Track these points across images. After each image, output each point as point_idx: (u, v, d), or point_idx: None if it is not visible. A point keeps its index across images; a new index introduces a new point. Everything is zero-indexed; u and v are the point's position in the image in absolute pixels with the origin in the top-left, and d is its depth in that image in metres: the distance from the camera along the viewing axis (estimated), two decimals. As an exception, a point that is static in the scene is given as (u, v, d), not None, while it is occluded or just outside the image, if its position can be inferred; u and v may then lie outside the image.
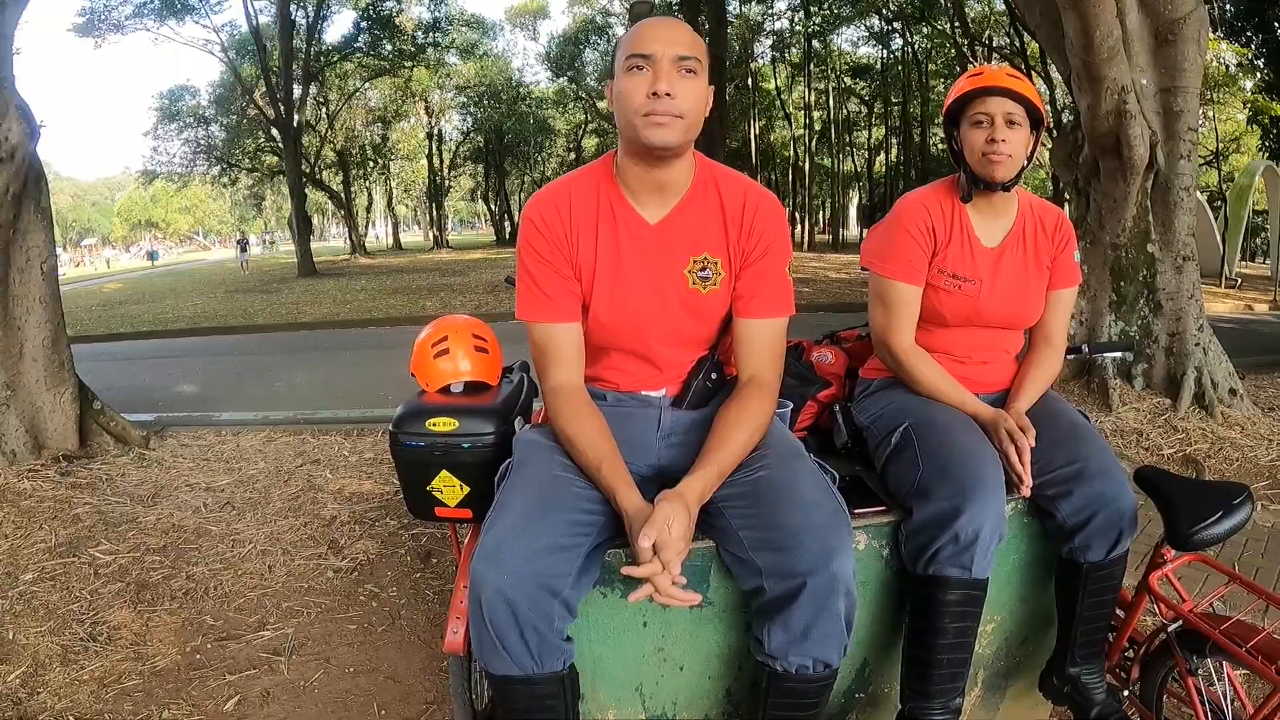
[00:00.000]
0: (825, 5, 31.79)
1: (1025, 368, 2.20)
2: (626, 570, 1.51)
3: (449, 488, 1.93)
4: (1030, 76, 24.97)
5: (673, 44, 1.62)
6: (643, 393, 1.89)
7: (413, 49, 33.17)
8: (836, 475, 1.75)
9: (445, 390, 2.14)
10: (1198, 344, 6.08)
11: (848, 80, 38.80)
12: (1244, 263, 23.13)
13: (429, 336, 2.20)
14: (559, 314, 1.78)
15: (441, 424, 1.92)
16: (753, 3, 33.42)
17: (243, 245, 36.34)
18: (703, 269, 1.78)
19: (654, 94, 1.61)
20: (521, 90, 42.32)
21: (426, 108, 41.76)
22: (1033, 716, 2.29)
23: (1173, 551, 2.03)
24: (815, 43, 34.67)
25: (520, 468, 1.69)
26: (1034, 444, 1.92)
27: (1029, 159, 2.08)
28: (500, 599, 1.47)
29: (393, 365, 9.32)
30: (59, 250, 6.14)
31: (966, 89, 2.05)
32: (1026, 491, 1.89)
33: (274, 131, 29.13)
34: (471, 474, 1.91)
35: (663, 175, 1.74)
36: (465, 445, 1.91)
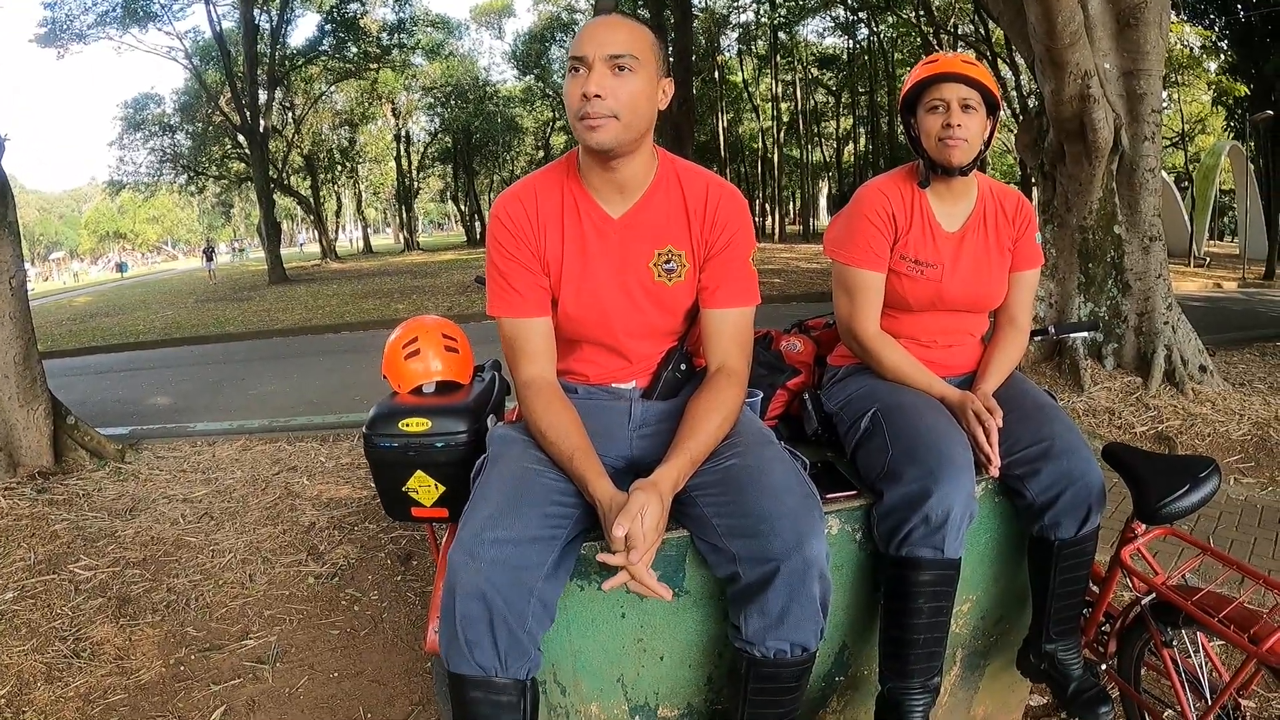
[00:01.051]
0: (790, -4, 31.95)
1: (990, 349, 2.23)
2: (601, 557, 1.52)
3: (424, 488, 1.93)
4: (995, 63, 25.23)
5: (605, 44, 1.62)
6: (613, 385, 1.91)
7: (378, 51, 32.95)
8: (807, 461, 1.77)
9: (417, 391, 2.14)
10: (1166, 322, 6.16)
11: (815, 71, 38.97)
12: (1212, 242, 23.45)
13: (399, 338, 2.21)
14: (528, 309, 1.79)
15: (414, 424, 1.92)
16: (719, -5, 33.50)
17: (209, 254, 35.94)
18: (667, 261, 1.80)
19: (585, 96, 1.62)
20: (488, 89, 42.19)
21: (393, 109, 41.58)
22: (1012, 694, 2.32)
23: (1143, 526, 2.07)
24: (781, 34, 34.82)
25: (494, 463, 1.70)
26: (1001, 425, 1.95)
27: (986, 143, 2.11)
28: (475, 591, 1.47)
29: (366, 369, 9.34)
30: (27, 265, 6.07)
31: (922, 76, 2.08)
32: (995, 471, 1.92)
33: (240, 138, 28.87)
34: (446, 473, 1.92)
35: (619, 173, 1.75)
36: (439, 444, 1.91)
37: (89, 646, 3.30)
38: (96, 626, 3.45)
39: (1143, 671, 2.19)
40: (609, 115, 1.62)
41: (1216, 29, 22.88)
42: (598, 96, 1.61)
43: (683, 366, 1.91)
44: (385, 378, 2.21)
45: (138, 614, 3.56)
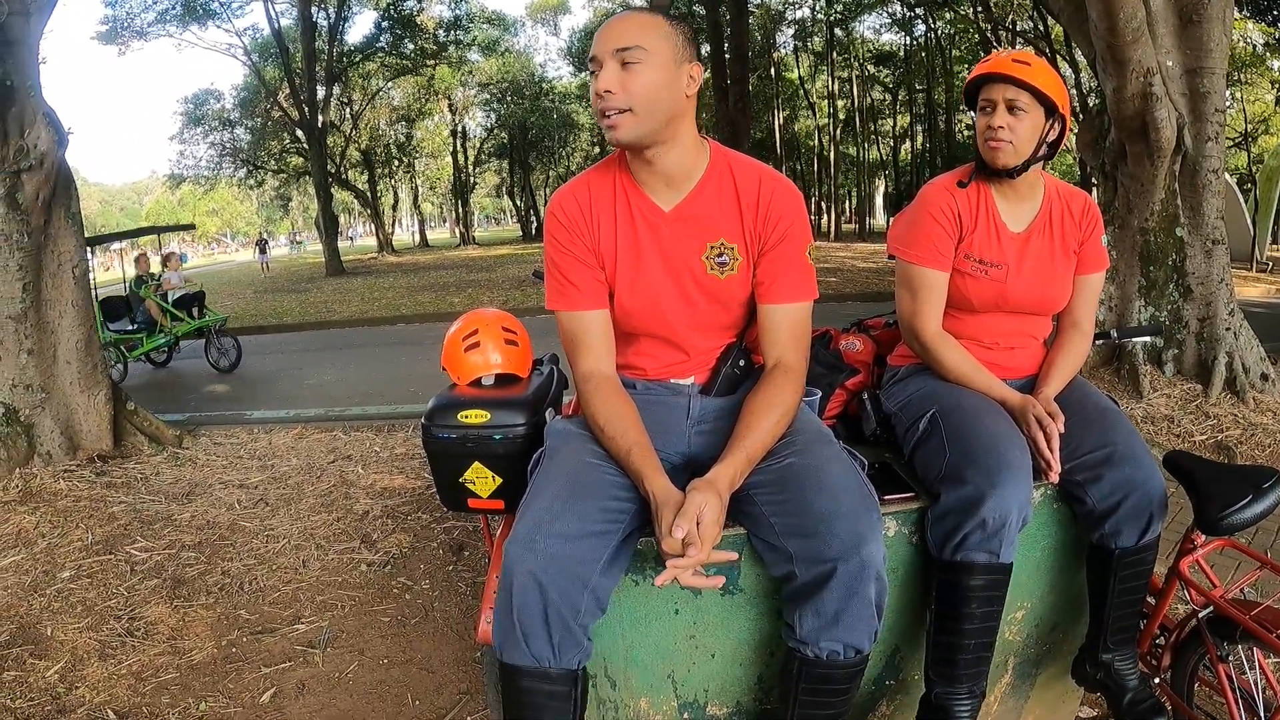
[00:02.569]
0: (846, -8, 31.66)
1: (1053, 353, 2.20)
2: (668, 566, 1.51)
3: (481, 479, 1.95)
4: (1054, 60, 24.67)
5: (612, 39, 1.64)
6: (672, 380, 1.91)
7: (434, 47, 33.31)
8: (865, 462, 1.76)
9: (476, 383, 2.16)
10: (1228, 329, 6.01)
11: (871, 68, 38.49)
12: (1275, 246, 22.79)
13: (459, 330, 2.23)
14: (585, 302, 1.81)
15: (473, 416, 1.94)
16: (773, -8, 33.28)
17: (262, 246, 36.07)
18: (720, 255, 1.80)
19: (599, 94, 1.64)
20: (544, 85, 42.44)
21: (450, 105, 41.92)
22: (1063, 703, 2.29)
23: (1203, 537, 2.03)
24: (837, 31, 34.46)
25: (553, 456, 1.72)
26: (1062, 429, 1.92)
27: (1050, 146, 2.07)
28: (532, 582, 1.49)
29: (421, 361, 9.44)
30: (88, 255, 6.22)
31: (975, 75, 2.07)
32: (1055, 477, 1.89)
33: (299, 133, 29.35)
34: (503, 465, 1.93)
35: (657, 164, 1.76)
36: (497, 437, 1.93)
37: (143, 626, 3.39)
38: (151, 607, 3.54)
39: (1196, 686, 2.15)
40: (623, 110, 1.63)
41: (1281, 25, 22.29)
42: (609, 93, 1.63)
43: (741, 363, 1.90)
44: (445, 369, 2.23)
45: (192, 595, 3.64)
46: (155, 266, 12.36)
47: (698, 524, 1.48)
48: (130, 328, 10.70)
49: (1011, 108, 2.00)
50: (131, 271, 11.50)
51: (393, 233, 48.37)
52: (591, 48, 1.67)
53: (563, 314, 1.83)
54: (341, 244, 34.83)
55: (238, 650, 3.20)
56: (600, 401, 1.75)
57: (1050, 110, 2.03)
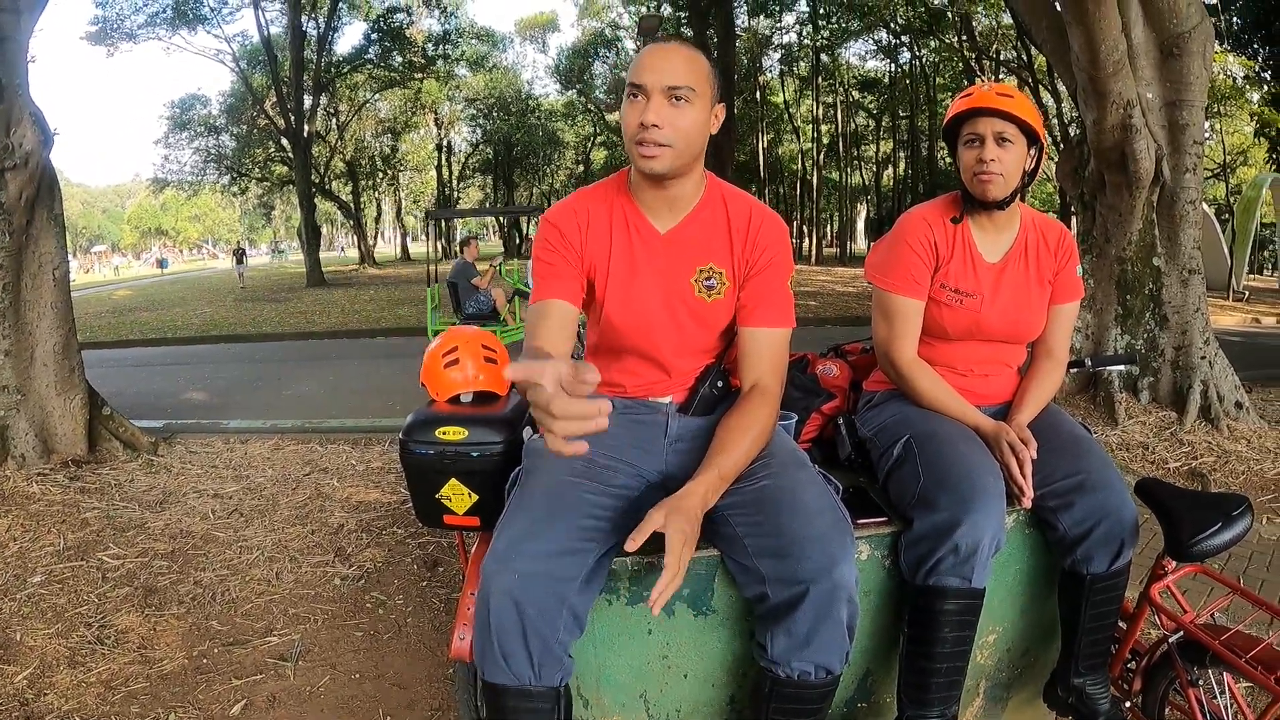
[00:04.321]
0: (833, 19, 31.88)
1: (1027, 380, 2.22)
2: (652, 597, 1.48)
3: (457, 496, 1.96)
4: (1037, 90, 25.04)
5: (665, 74, 1.67)
6: (651, 399, 1.93)
7: (423, 61, 33.40)
8: (840, 486, 1.77)
9: (455, 400, 2.16)
10: (1203, 357, 6.09)
11: (856, 94, 38.82)
12: (1252, 276, 23.07)
13: (439, 347, 2.23)
14: (558, 291, 1.80)
15: (451, 433, 1.94)
16: (761, 16, 33.52)
17: (240, 256, 32.95)
18: (708, 278, 1.84)
19: (642, 125, 1.66)
20: (531, 102, 42.47)
21: (436, 119, 41.95)
22: (1034, 728, 2.30)
23: (1174, 563, 2.05)
24: (823, 56, 34.71)
25: (530, 474, 1.72)
26: (1035, 455, 1.94)
27: (1031, 175, 2.10)
28: (509, 601, 1.49)
29: (400, 375, 9.41)
30: (69, 257, 6.18)
31: (958, 110, 2.08)
32: (1028, 503, 1.91)
33: (284, 141, 29.21)
34: (480, 482, 1.94)
35: (670, 193, 1.81)
36: (474, 454, 1.93)
37: (113, 634, 3.35)
38: (122, 615, 3.50)
39: (1167, 711, 2.17)
40: (665, 145, 1.67)
41: (1260, 59, 22.65)
42: (655, 126, 1.66)
43: (719, 384, 1.93)
44: (423, 385, 2.24)
45: (163, 605, 3.60)
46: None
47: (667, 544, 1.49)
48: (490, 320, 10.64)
49: (1000, 140, 2.03)
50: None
51: (375, 245, 48.21)
52: (638, 74, 1.68)
53: (534, 305, 1.82)
54: (328, 254, 34.57)
55: (208, 661, 3.17)
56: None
57: (1032, 140, 2.07)
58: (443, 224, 34.52)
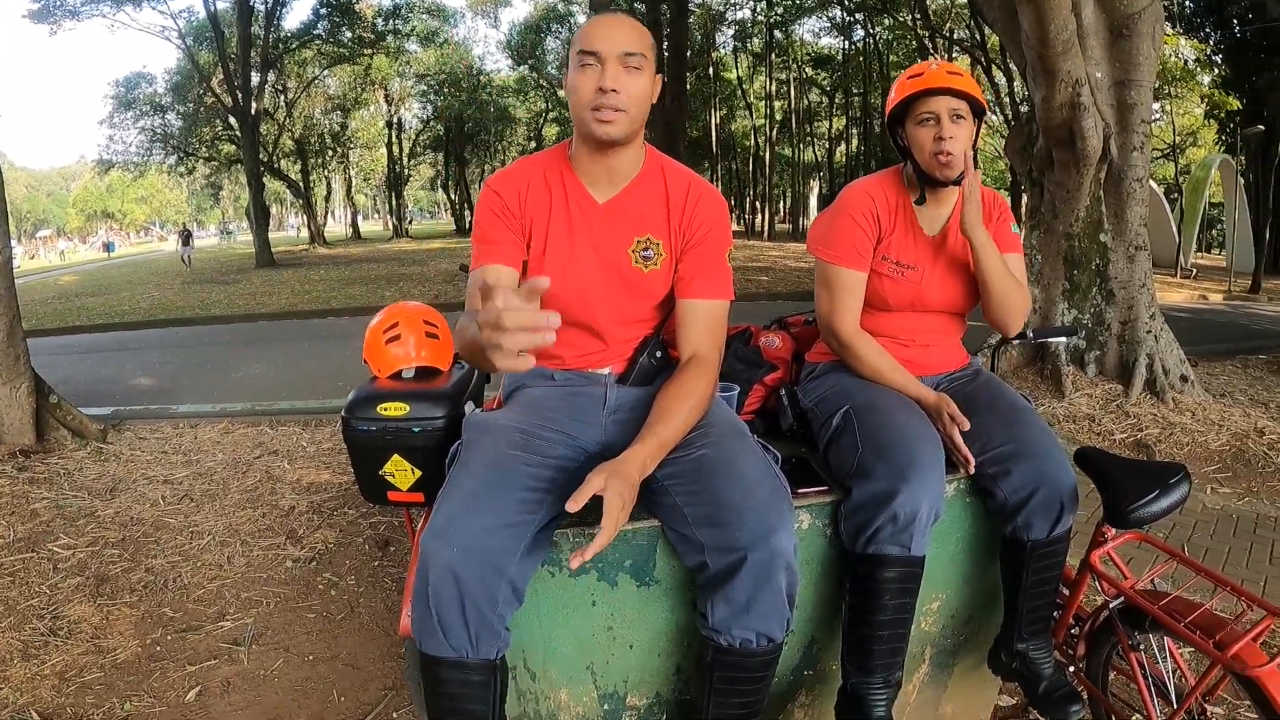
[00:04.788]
0: (787, -5, 31.95)
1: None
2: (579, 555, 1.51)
3: (401, 472, 1.94)
4: (989, 69, 25.26)
5: (619, 42, 1.71)
6: (589, 370, 1.94)
7: (372, 36, 32.92)
8: (779, 456, 1.79)
9: (397, 376, 2.15)
10: (1149, 332, 6.21)
11: (809, 71, 38.96)
12: (1199, 254, 23.57)
13: (380, 323, 2.22)
14: (498, 256, 1.82)
15: (393, 409, 1.93)
16: (715, -9, 33.46)
17: (185, 238, 32.46)
18: (645, 249, 1.86)
19: (600, 90, 1.70)
20: (482, 78, 42.01)
21: (386, 96, 41.42)
22: (981, 694, 2.34)
23: (1113, 530, 2.09)
24: (777, 33, 34.80)
25: (470, 448, 1.71)
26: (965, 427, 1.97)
27: (972, 148, 2.13)
28: (448, 574, 1.49)
29: (351, 355, 9.27)
30: (13, 242, 6.03)
31: (912, 90, 2.08)
32: (971, 470, 1.94)
33: (231, 120, 28.70)
34: (423, 458, 1.92)
35: (612, 161, 1.83)
36: (416, 429, 1.92)
37: (66, 625, 3.31)
38: (74, 605, 3.45)
39: (1110, 675, 2.22)
40: (622, 110, 1.71)
41: (1211, 43, 23.06)
42: (614, 91, 1.69)
43: (658, 354, 1.94)
44: (366, 362, 2.22)
45: (115, 594, 3.56)
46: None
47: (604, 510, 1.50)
48: None
49: (955, 117, 2.04)
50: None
51: (325, 224, 47.57)
52: (590, 41, 1.72)
53: (474, 271, 1.82)
54: (279, 234, 34.01)
55: (162, 649, 3.14)
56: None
57: (978, 114, 2.10)
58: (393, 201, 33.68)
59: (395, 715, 2.70)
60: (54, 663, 3.03)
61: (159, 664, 3.03)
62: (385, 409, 1.93)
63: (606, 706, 1.85)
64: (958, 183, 2.11)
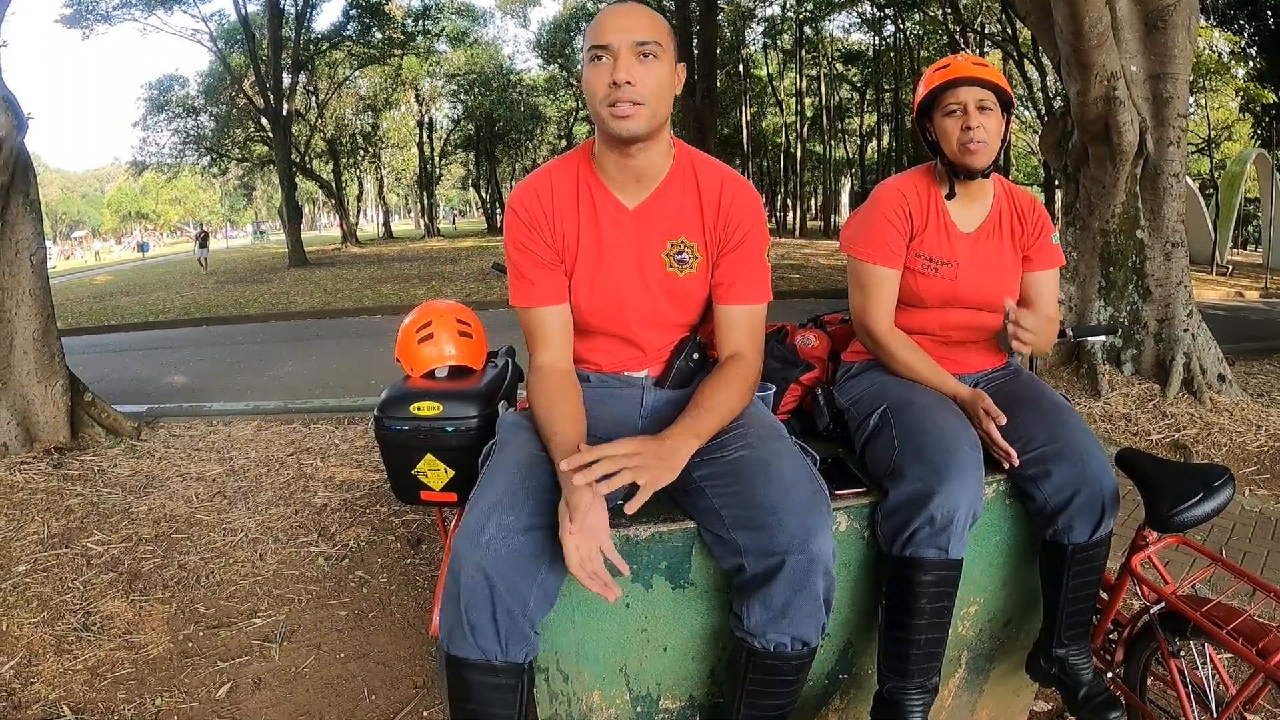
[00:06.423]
0: (817, -9, 31.80)
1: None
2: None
3: (434, 471, 1.94)
4: (1021, 63, 25.00)
5: (630, 30, 1.62)
6: (625, 373, 1.92)
7: (402, 37, 33.08)
8: (817, 457, 1.76)
9: (430, 375, 2.15)
10: (1186, 330, 6.11)
11: (840, 67, 38.74)
12: (1235, 250, 23.19)
13: (413, 322, 2.21)
14: (543, 298, 1.80)
15: (425, 408, 1.93)
16: (744, -12, 33.36)
17: (202, 240, 33.15)
18: (679, 253, 1.80)
19: (614, 84, 1.62)
20: (512, 77, 42.24)
21: (417, 96, 41.71)
22: (1017, 699, 2.31)
23: (1154, 534, 2.05)
24: (807, 29, 34.62)
25: (502, 449, 1.70)
26: (1004, 421, 1.94)
27: (1003, 142, 2.10)
28: (480, 576, 1.48)
29: (383, 353, 9.34)
30: (48, 243, 6.10)
31: (938, 82, 2.07)
32: (1016, 461, 1.91)
33: (263, 121, 28.93)
34: (456, 457, 1.92)
35: (637, 162, 1.75)
36: (449, 429, 1.92)
37: (99, 620, 3.33)
38: (107, 601, 3.48)
39: (1149, 681, 2.18)
40: (638, 102, 1.62)
41: (1246, 35, 22.68)
42: (628, 84, 1.61)
43: (695, 356, 1.91)
44: (398, 361, 2.22)
45: (148, 590, 3.58)
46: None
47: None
48: None
49: (981, 108, 2.03)
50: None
51: (357, 224, 47.99)
52: (599, 35, 1.63)
53: (521, 310, 1.82)
54: (312, 233, 34.32)
55: (194, 645, 3.15)
56: (541, 391, 1.74)
57: (1006, 106, 2.07)
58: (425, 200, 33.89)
59: (426, 714, 2.69)
60: (86, 658, 3.05)
61: (190, 660, 3.04)
62: (418, 408, 1.93)
63: (639, 709, 1.84)
64: (986, 174, 2.10)
